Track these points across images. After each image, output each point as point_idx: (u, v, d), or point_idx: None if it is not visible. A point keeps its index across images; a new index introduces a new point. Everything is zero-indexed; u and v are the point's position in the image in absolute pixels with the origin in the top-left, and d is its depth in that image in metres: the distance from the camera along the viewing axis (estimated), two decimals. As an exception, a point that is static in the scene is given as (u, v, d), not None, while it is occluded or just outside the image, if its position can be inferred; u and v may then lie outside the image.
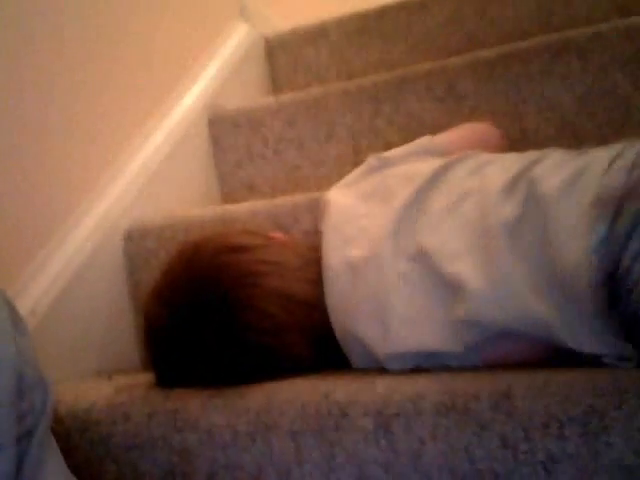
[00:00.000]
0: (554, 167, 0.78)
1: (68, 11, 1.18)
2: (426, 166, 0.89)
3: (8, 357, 0.62)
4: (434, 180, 0.86)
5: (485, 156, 0.88)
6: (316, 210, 1.05)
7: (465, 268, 0.75)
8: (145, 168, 1.27)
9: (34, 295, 1.04)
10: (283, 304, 0.82)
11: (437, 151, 0.98)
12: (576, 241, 0.71)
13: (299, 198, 1.12)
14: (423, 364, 0.77)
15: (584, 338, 0.70)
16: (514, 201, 0.77)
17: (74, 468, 0.78)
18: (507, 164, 0.83)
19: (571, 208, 0.73)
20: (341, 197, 0.93)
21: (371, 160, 0.97)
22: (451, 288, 0.76)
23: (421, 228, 0.81)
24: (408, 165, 0.92)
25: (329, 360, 0.84)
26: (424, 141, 1.01)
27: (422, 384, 0.71)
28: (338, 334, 0.84)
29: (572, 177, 0.74)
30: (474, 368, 0.75)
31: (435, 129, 1.07)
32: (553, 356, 0.74)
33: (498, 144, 1.05)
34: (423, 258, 0.79)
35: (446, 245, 0.78)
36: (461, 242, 0.78)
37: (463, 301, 0.74)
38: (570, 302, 0.71)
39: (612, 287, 0.69)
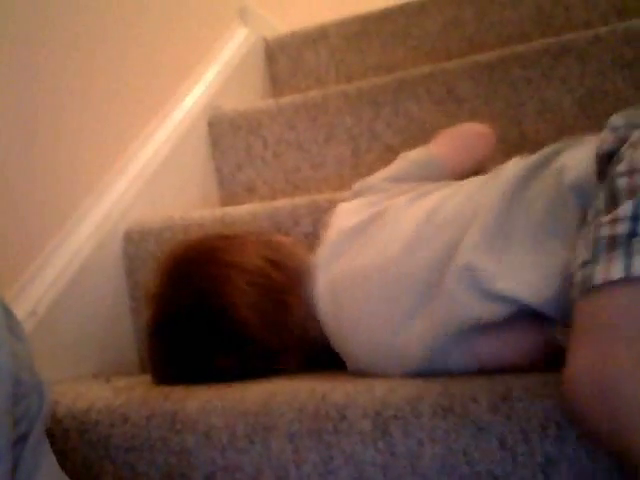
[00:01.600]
0: None
1: (76, 20, 1.18)
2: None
3: (4, 364, 0.62)
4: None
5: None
6: (316, 212, 1.05)
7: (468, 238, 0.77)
8: (145, 170, 1.27)
9: (35, 296, 1.04)
10: (260, 294, 0.86)
11: (437, 168, 0.99)
12: (585, 152, 0.74)
13: (299, 200, 1.12)
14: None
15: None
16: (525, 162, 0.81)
17: (72, 469, 0.78)
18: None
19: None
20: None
21: (356, 187, 0.99)
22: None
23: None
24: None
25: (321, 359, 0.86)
26: (423, 156, 1.01)
27: (420, 386, 0.71)
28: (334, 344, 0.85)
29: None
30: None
31: (434, 132, 1.07)
32: (546, 357, 0.73)
33: (489, 144, 1.05)
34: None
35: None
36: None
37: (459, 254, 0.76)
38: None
39: None
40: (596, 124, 0.77)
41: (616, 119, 0.72)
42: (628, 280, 0.58)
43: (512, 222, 0.75)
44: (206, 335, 0.84)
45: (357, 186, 0.98)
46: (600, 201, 0.66)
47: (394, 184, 0.94)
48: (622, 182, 0.64)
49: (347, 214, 0.91)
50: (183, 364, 0.86)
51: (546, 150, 0.81)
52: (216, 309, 0.85)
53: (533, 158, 0.81)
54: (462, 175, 0.95)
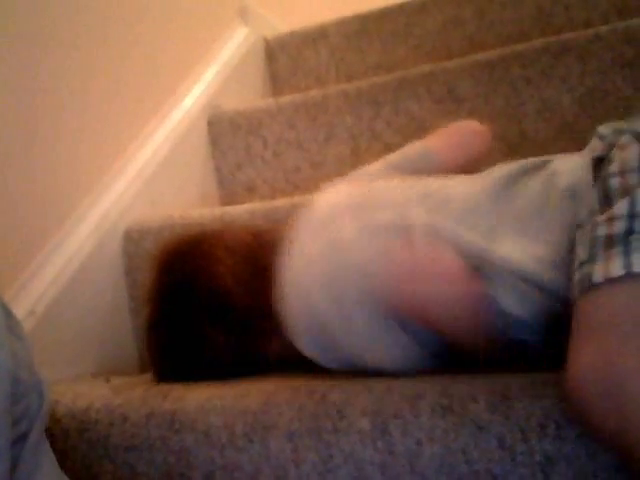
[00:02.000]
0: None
1: (76, 20, 1.18)
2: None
3: (3, 363, 0.62)
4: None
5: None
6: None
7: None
8: (144, 169, 1.28)
9: (34, 295, 1.04)
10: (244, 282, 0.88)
11: (431, 162, 0.99)
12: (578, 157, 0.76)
13: (298, 200, 1.12)
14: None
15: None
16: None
17: (72, 468, 0.78)
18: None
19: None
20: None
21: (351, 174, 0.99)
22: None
23: None
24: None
25: None
26: (418, 149, 1.01)
27: (419, 385, 0.71)
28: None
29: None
30: (470, 370, 0.75)
31: (434, 131, 1.07)
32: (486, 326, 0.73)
33: (485, 142, 1.05)
34: None
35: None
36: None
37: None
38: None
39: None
40: (596, 123, 0.78)
41: (603, 128, 0.74)
42: (628, 277, 0.58)
43: (497, 215, 0.77)
44: (194, 311, 0.87)
45: (353, 173, 0.98)
46: (594, 201, 0.66)
47: (391, 171, 0.95)
48: (614, 182, 0.65)
49: (336, 191, 0.92)
50: (179, 350, 0.87)
51: (535, 158, 0.82)
52: (202, 284, 0.87)
53: (525, 161, 0.82)
54: (456, 172, 0.95)
